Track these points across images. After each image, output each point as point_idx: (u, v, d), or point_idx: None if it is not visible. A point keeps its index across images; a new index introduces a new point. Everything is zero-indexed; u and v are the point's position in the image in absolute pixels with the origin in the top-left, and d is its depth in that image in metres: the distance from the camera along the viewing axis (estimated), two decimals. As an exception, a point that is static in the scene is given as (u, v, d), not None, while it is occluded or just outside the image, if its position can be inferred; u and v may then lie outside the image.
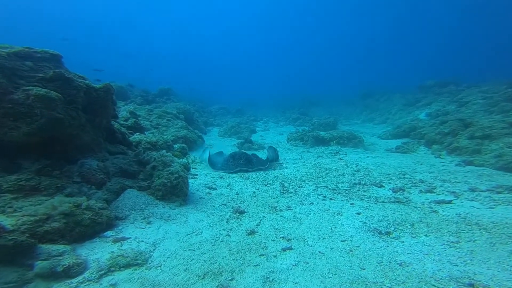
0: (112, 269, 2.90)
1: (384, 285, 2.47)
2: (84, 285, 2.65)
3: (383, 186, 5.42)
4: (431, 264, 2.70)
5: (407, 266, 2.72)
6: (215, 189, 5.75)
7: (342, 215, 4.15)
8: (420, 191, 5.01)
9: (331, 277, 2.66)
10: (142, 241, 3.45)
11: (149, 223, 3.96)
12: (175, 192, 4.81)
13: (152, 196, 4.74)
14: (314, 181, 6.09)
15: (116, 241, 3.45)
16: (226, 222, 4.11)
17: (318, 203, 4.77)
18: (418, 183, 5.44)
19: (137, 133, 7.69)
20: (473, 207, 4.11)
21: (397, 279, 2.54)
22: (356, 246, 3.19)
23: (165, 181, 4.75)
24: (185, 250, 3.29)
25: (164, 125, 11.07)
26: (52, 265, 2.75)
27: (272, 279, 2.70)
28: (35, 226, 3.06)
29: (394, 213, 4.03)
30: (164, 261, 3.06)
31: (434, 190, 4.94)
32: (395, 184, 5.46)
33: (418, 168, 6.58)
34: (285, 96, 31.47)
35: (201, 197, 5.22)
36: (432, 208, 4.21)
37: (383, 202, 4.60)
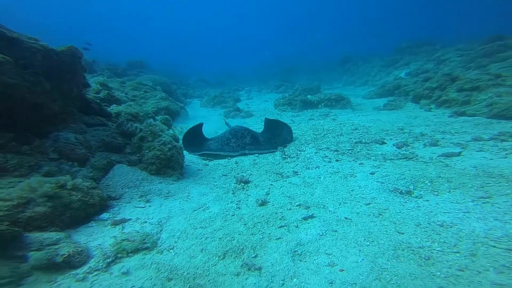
0: (119, 255, 2.42)
1: (434, 249, 2.03)
2: (93, 276, 2.18)
3: (385, 143, 4.99)
4: (477, 223, 2.29)
5: (451, 227, 2.30)
6: (210, 160, 5.05)
7: (355, 176, 3.68)
8: (425, 145, 4.63)
9: (369, 245, 2.19)
10: (145, 221, 2.90)
11: (148, 201, 3.36)
12: (171, 165, 4.10)
13: (145, 171, 4.02)
14: (314, 143, 5.56)
15: (115, 223, 2.88)
16: (232, 194, 3.56)
17: (324, 165, 4.26)
18: (419, 136, 5.07)
19: (114, 105, 6.60)
20: (485, 158, 3.77)
21: (446, 242, 2.11)
22: (384, 209, 2.73)
23: (158, 153, 4.00)
24: (196, 228, 2.78)
25: (141, 96, 9.77)
26: (49, 255, 2.26)
27: (301, 252, 2.24)
28: (15, 212, 2.44)
29: (409, 170, 3.61)
30: (176, 242, 2.56)
31: (438, 143, 4.58)
32: (397, 139, 5.06)
33: (414, 122, 6.22)
34: (265, 66, 29.76)
35: (199, 169, 4.55)
36: (443, 162, 3.83)
37: (392, 159, 4.18)
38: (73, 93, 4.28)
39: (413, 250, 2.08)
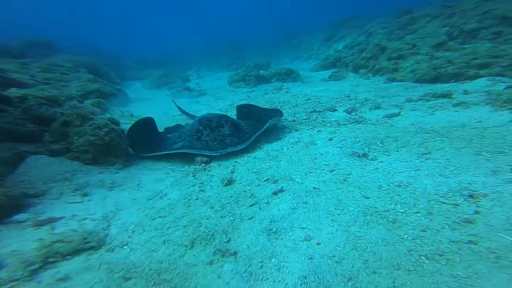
0: (51, 259, 1.83)
1: (398, 211, 1.97)
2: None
3: (337, 110, 5.00)
4: (427, 180, 2.34)
5: (407, 186, 2.29)
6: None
7: (316, 144, 3.54)
8: (370, 108, 4.75)
9: (340, 214, 2.05)
10: (85, 218, 2.30)
11: (86, 194, 2.68)
12: (112, 152, 3.35)
13: (77, 161, 3.19)
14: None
15: (38, 224, 2.20)
16: (193, 176, 3.10)
17: (285, 136, 4.02)
18: (364, 102, 5.20)
19: (14, 89, 4.91)
20: (419, 116, 4.03)
21: (406, 202, 2.08)
22: (348, 174, 2.65)
23: (92, 139, 3.21)
24: (153, 219, 2.31)
25: (59, 79, 7.65)
26: None
27: (276, 230, 2.02)
28: None
29: (362, 133, 3.63)
30: (130, 236, 2.08)
31: (381, 106, 4.75)
32: (346, 106, 5.11)
33: (357, 89, 6.40)
34: (213, 44, 27.40)
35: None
36: (387, 122, 3.94)
37: (345, 124, 4.19)
38: None
39: (381, 214, 2.02)
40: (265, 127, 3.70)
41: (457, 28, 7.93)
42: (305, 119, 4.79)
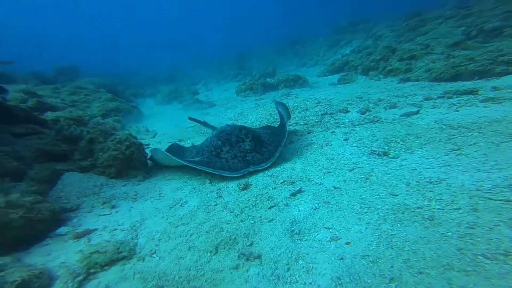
0: (92, 270, 1.90)
1: (433, 208, 1.85)
2: None
3: (349, 111, 4.90)
4: (463, 176, 2.18)
5: (440, 183, 2.15)
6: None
7: (331, 144, 3.46)
8: (385, 108, 4.63)
9: (367, 212, 1.94)
10: (115, 229, 2.37)
11: (113, 207, 2.78)
12: (133, 165, 3.43)
13: (103, 175, 3.31)
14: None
15: (78, 236, 2.31)
16: (210, 183, 3.10)
17: (298, 139, 3.96)
18: (378, 102, 5.08)
19: (49, 112, 5.43)
20: (441, 113, 3.86)
21: (442, 198, 1.95)
22: (370, 172, 2.54)
23: (114, 153, 3.30)
24: (176, 226, 2.33)
25: (83, 101, 8.26)
26: None
27: (299, 231, 1.94)
28: None
29: (379, 131, 3.51)
30: (157, 245, 2.10)
31: (396, 105, 4.62)
32: (359, 107, 4.99)
33: (369, 90, 6.30)
34: (218, 57, 27.93)
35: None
36: (406, 121, 3.81)
37: (360, 124, 4.09)
38: None
39: (413, 211, 1.90)
40: (285, 136, 3.41)
41: (476, 27, 7.79)
42: (317, 121, 4.72)
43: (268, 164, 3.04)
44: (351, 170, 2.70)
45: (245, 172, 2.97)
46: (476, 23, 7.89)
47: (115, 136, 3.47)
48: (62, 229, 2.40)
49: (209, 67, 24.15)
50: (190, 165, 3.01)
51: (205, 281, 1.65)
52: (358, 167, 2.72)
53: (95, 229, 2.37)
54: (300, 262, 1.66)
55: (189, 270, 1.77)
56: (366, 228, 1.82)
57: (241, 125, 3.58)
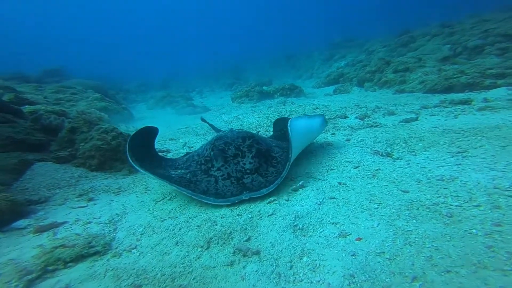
0: (50, 268, 1.60)
1: (450, 205, 1.71)
2: None
3: (348, 117, 4.85)
4: (477, 174, 2.08)
5: (453, 180, 2.04)
6: (168, 151, 4.16)
7: (332, 145, 3.35)
8: (383, 114, 4.62)
9: (377, 208, 1.78)
10: (89, 222, 2.10)
11: (91, 199, 2.50)
12: (119, 157, 3.18)
13: (82, 167, 3.01)
14: (280, 122, 5.07)
15: (41, 230, 2.00)
16: None
17: (297, 140, 3.78)
18: (376, 109, 5.08)
19: (27, 106, 5.03)
20: (439, 120, 3.85)
21: (459, 196, 1.81)
22: (376, 170, 2.42)
23: (98, 143, 3.05)
24: (163, 220, 2.08)
25: (69, 99, 7.85)
26: None
27: (303, 226, 1.77)
28: None
29: (381, 134, 3.44)
30: (138, 240, 1.84)
31: (395, 112, 4.61)
32: (357, 113, 4.93)
33: (365, 99, 6.33)
34: (213, 67, 28.12)
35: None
36: (406, 126, 3.73)
37: (359, 128, 3.99)
38: None
39: (429, 208, 1.75)
40: (292, 148, 2.28)
41: (460, 45, 8.15)
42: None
43: (270, 190, 2.13)
44: (356, 168, 2.55)
45: (236, 201, 2.07)
46: (461, 41, 8.28)
47: (100, 126, 3.21)
48: (21, 222, 2.07)
49: (204, 76, 24.21)
50: (162, 181, 2.17)
51: (193, 278, 1.41)
52: (363, 165, 2.58)
53: (65, 222, 2.07)
54: (305, 259, 1.46)
55: (175, 267, 1.51)
56: (378, 224, 1.64)
57: (249, 132, 2.68)
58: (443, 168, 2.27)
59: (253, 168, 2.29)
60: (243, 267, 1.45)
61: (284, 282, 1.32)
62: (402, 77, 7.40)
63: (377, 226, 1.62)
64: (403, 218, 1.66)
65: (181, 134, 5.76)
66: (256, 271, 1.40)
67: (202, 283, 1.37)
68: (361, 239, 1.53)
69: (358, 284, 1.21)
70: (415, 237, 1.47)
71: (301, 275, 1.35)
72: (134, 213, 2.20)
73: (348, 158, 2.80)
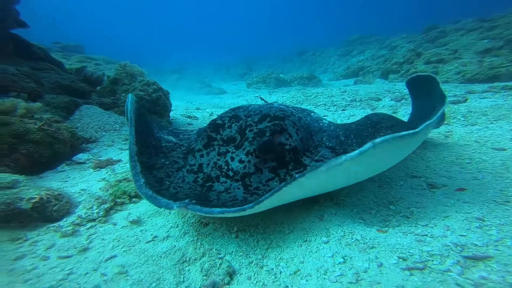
0: (118, 200, 1.59)
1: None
2: (88, 229, 1.38)
3: (381, 99, 4.67)
4: None
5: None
6: (196, 118, 3.95)
7: (375, 109, 3.04)
8: (424, 97, 4.28)
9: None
10: None
11: None
12: (157, 110, 3.01)
13: (123, 116, 2.84)
14: (308, 102, 4.90)
15: (99, 166, 1.98)
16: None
17: (332, 114, 3.59)
18: (412, 94, 4.74)
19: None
20: (495, 100, 3.60)
21: None
22: (448, 131, 2.13)
23: (141, 94, 2.89)
24: None
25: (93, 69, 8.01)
26: (9, 199, 1.30)
27: None
28: None
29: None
30: None
31: (437, 95, 4.27)
32: (390, 97, 4.67)
33: (395, 88, 6.09)
34: (225, 60, 27.86)
35: (188, 124, 3.44)
36: (457, 106, 3.44)
37: (402, 106, 3.69)
38: (6, 24, 3.10)
39: None
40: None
41: (502, 38, 7.86)
42: (347, 105, 4.41)
43: (230, 214, 1.12)
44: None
45: (182, 207, 1.14)
46: (503, 35, 7.97)
47: (142, 78, 3.17)
48: (81, 156, 2.05)
49: (216, 67, 24.08)
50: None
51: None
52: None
53: (119, 160, 2.06)
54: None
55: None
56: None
57: (295, 109, 1.91)
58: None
59: (241, 171, 1.39)
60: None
61: None
62: (434, 68, 7.15)
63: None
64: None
65: (205, 106, 5.61)
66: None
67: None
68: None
69: None
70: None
71: None
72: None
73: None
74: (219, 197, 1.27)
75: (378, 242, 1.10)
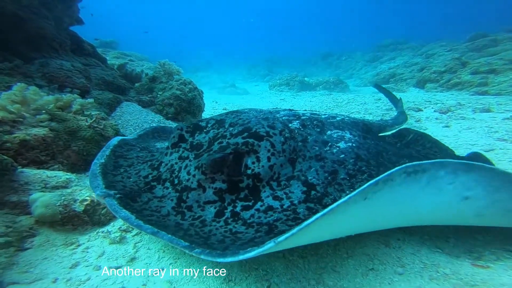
0: None
1: None
2: (134, 236, 1.34)
3: (422, 110, 4.35)
4: None
5: None
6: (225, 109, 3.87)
7: (426, 129, 2.86)
8: (474, 111, 4.03)
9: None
10: None
11: None
12: (191, 110, 3.01)
13: (159, 114, 2.89)
14: (339, 109, 4.69)
15: None
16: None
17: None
18: (457, 106, 4.54)
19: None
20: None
21: None
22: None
23: (177, 93, 2.93)
24: None
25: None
26: (65, 201, 1.29)
27: None
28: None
29: (496, 124, 2.84)
30: None
31: (491, 109, 3.97)
32: (433, 108, 4.37)
33: (434, 98, 5.72)
34: (247, 58, 28.13)
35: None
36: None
37: (450, 119, 3.42)
38: (64, 23, 3.35)
39: None
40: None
41: None
42: (384, 113, 4.15)
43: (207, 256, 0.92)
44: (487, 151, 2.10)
45: (100, 197, 1.14)
46: None
47: (180, 77, 3.21)
48: None
49: (237, 66, 24.31)
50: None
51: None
52: (499, 148, 2.12)
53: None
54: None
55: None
56: None
57: (320, 115, 1.79)
58: None
59: (184, 183, 1.25)
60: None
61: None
62: (483, 79, 6.68)
63: None
64: None
65: (231, 107, 5.60)
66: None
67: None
68: None
69: None
70: None
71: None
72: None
73: (471, 141, 2.34)
74: (147, 203, 1.13)
75: (482, 279, 0.94)
